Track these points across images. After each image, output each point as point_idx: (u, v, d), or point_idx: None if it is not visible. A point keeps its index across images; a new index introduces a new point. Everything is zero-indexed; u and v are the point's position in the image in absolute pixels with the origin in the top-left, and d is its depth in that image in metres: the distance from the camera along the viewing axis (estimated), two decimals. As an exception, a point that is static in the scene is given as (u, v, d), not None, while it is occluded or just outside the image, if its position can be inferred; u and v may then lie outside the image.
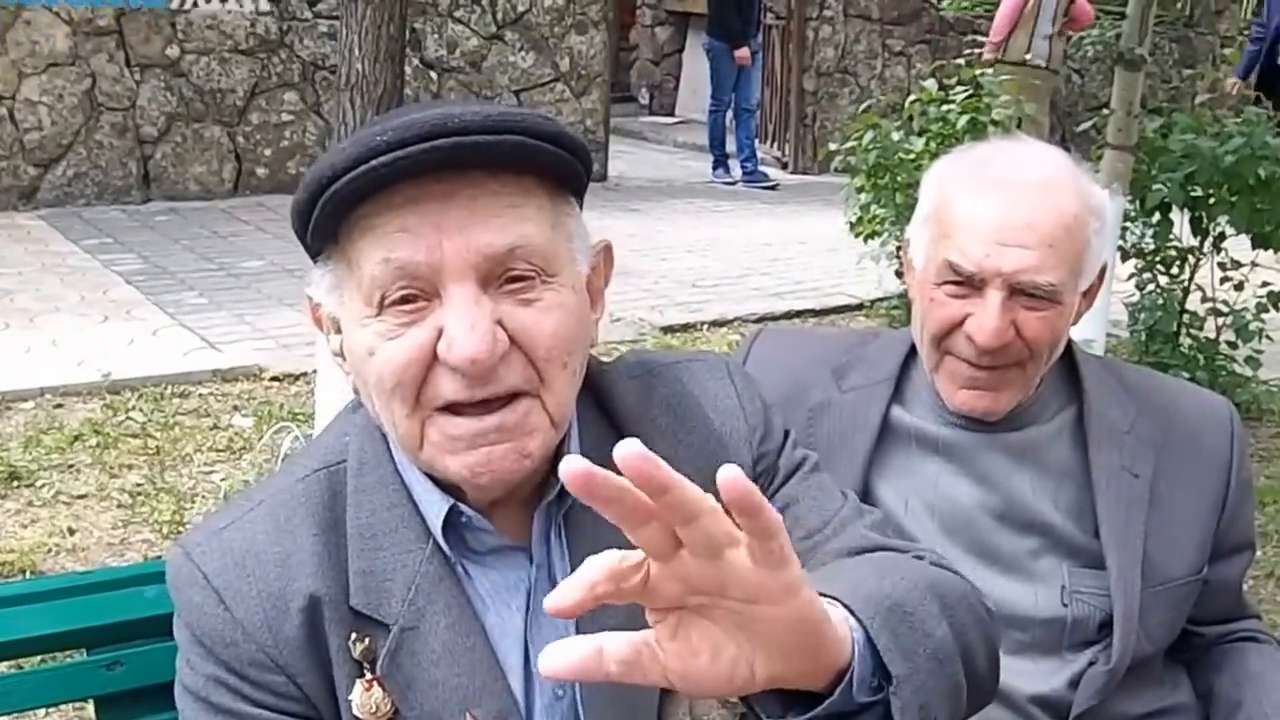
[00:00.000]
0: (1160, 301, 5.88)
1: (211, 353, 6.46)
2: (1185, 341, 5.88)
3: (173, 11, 9.84)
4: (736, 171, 11.93)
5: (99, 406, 5.71)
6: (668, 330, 7.17)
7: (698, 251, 9.12)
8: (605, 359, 1.45)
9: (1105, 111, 5.53)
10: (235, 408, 5.80)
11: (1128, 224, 5.65)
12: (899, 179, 5.98)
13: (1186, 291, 5.90)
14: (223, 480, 4.98)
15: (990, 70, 6.26)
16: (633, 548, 1.14)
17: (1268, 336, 5.79)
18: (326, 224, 1.23)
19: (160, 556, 4.35)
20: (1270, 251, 5.66)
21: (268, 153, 10.36)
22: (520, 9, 11.24)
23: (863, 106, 6.59)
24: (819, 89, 12.70)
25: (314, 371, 4.77)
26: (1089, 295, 1.89)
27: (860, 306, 7.70)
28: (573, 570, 1.22)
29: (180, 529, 4.58)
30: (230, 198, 10.15)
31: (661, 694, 1.29)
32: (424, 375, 1.21)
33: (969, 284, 1.80)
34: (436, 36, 10.90)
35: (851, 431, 1.93)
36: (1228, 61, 5.91)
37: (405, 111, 1.22)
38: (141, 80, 9.85)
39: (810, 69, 12.65)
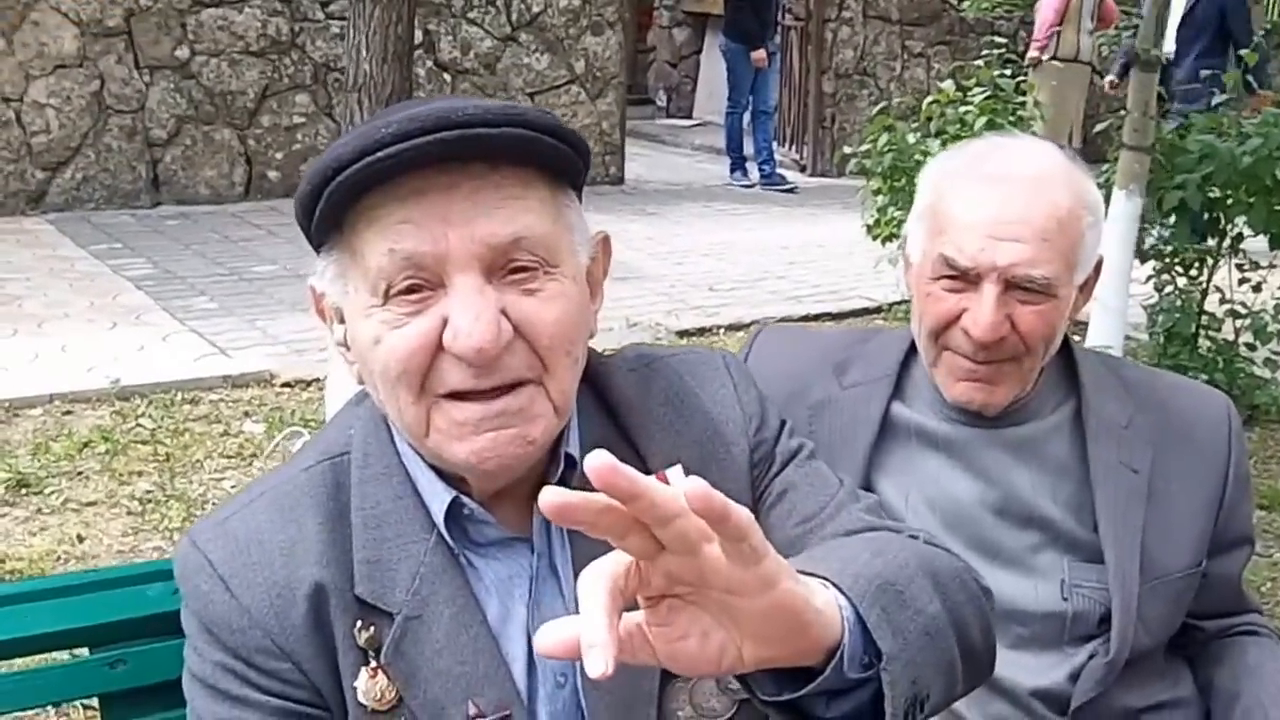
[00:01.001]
0: (1179, 304, 5.90)
1: (222, 358, 6.50)
2: (1204, 344, 5.90)
3: (182, 11, 9.88)
4: (754, 174, 11.97)
5: (108, 413, 5.75)
6: (684, 334, 7.21)
7: (714, 255, 9.16)
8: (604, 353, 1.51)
9: (1122, 112, 5.56)
10: (246, 414, 5.83)
11: (1145, 225, 5.68)
12: (916, 181, 5.96)
13: (1204, 293, 5.92)
14: (233, 487, 5.01)
15: (1032, 69, 6.29)
16: None
17: (1286, 337, 5.82)
18: (331, 215, 1.27)
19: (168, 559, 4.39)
20: (1288, 252, 5.69)
21: (279, 156, 10.39)
22: (535, 10, 11.27)
23: (878, 108, 6.62)
24: (838, 91, 12.74)
25: (325, 377, 4.81)
26: (1086, 289, 1.93)
27: (878, 310, 7.75)
28: (574, 558, 1.37)
29: None
30: (241, 201, 10.17)
31: (662, 681, 1.34)
32: (429, 363, 1.25)
33: (964, 278, 1.85)
34: (450, 38, 10.92)
35: (853, 428, 1.98)
36: (1246, 61, 5.90)
37: (407, 106, 1.27)
38: (151, 82, 9.89)
39: (829, 71, 12.69)
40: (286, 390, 6.14)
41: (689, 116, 15.60)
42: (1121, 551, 1.89)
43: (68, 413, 5.77)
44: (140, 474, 5.14)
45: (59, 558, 4.47)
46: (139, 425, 5.62)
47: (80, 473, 5.12)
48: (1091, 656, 1.89)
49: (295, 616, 1.31)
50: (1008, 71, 6.30)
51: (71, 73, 9.62)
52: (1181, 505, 1.94)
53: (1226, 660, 2.01)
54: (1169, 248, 5.80)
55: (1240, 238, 5.75)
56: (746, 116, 11.97)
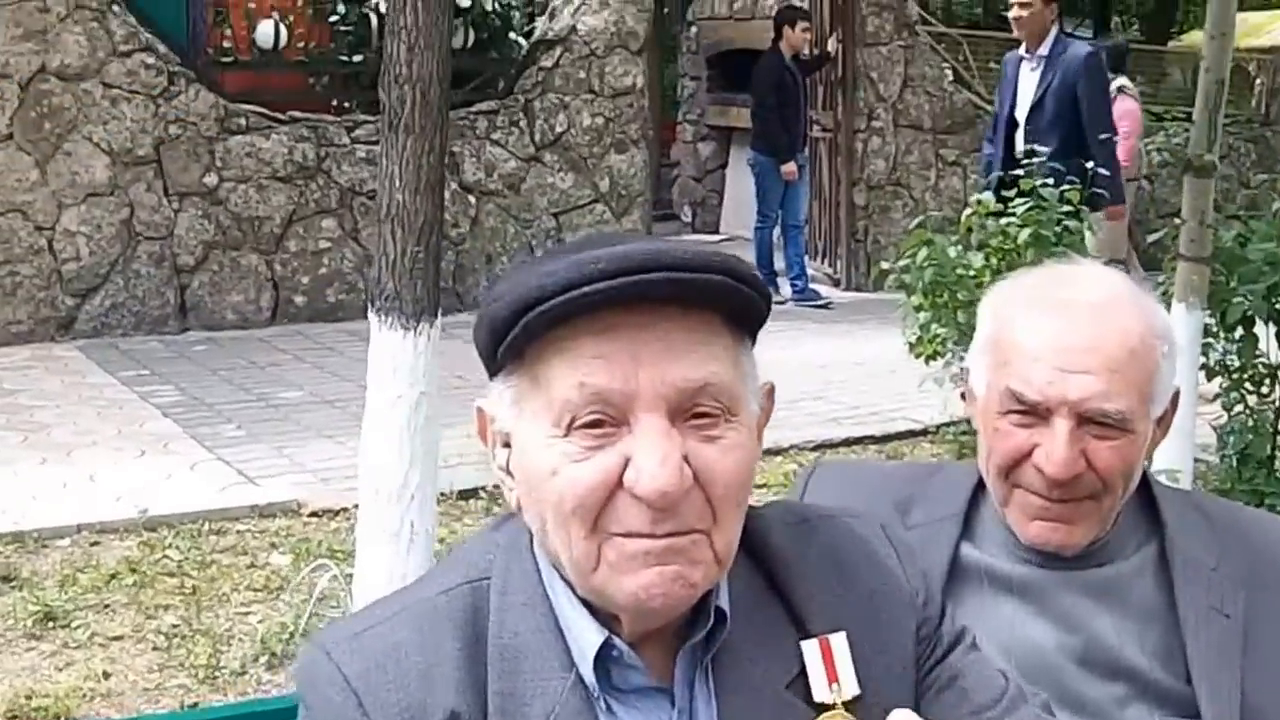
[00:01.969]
0: (1251, 423, 5.73)
1: (250, 487, 6.50)
2: (1281, 465, 5.74)
3: (210, 139, 10.06)
4: (786, 290, 11.92)
5: (136, 544, 5.75)
6: (720, 460, 7.11)
7: (749, 376, 9.09)
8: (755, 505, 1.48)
9: (1177, 221, 5.43)
10: (273, 545, 5.82)
11: (1209, 340, 5.53)
12: (959, 297, 5.95)
13: (1278, 412, 5.76)
14: (259, 622, 4.97)
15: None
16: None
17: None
18: (522, 342, 1.28)
19: (196, 704, 4.34)
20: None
21: (305, 280, 10.47)
22: (559, 129, 11.38)
23: (915, 221, 6.56)
24: (870, 203, 12.73)
25: (355, 506, 4.78)
26: (1163, 423, 1.87)
27: (925, 432, 7.56)
28: (719, 715, 1.32)
29: (216, 673, 4.58)
30: (268, 326, 10.26)
31: None
32: (606, 500, 1.25)
33: (1034, 413, 1.79)
34: (474, 160, 11.03)
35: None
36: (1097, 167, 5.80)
37: (605, 240, 1.30)
38: (180, 209, 10.03)
39: (860, 182, 12.70)
40: (314, 520, 6.13)
41: (715, 231, 15.66)
42: (1219, 705, 1.79)
43: (95, 543, 5.77)
44: (167, 607, 5.12)
45: (85, 694, 4.45)
46: (166, 557, 5.61)
47: (107, 605, 5.11)
48: None
49: None
50: (1050, 180, 6.20)
51: (103, 200, 9.78)
52: None
53: None
54: (1236, 363, 5.63)
55: (1315, 350, 5.59)
56: (776, 230, 12.00)
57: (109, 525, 5.92)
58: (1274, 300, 5.35)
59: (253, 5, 11.22)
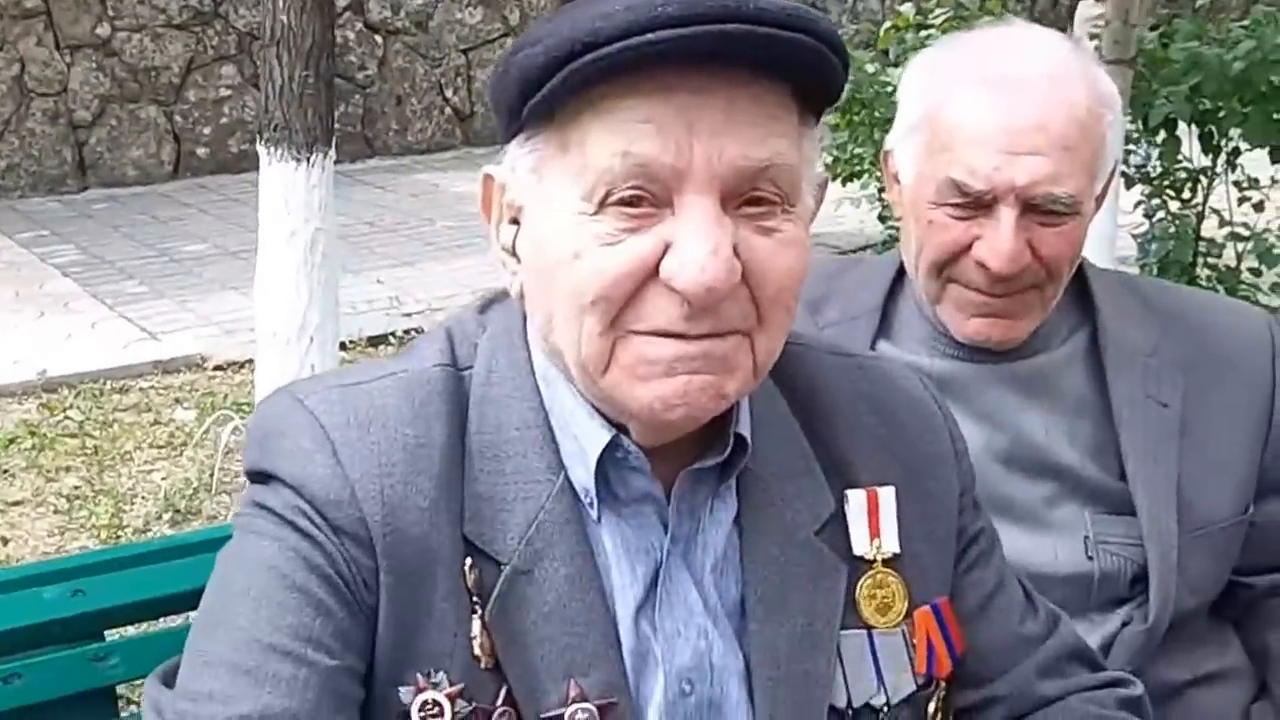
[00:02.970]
0: (1172, 230, 5.72)
1: (152, 343, 6.45)
2: (1203, 272, 5.73)
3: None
4: None
5: (35, 406, 5.71)
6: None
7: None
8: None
9: (1100, 23, 5.32)
10: (177, 400, 5.78)
11: (1131, 146, 5.46)
12: (877, 114, 5.84)
13: (1201, 216, 5.73)
14: (163, 479, 4.94)
15: None
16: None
17: (1295, 259, 5.67)
18: (559, 96, 1.10)
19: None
20: (1292, 166, 5.49)
21: (207, 131, 10.32)
22: (466, -38, 11.17)
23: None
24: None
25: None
26: (1101, 197, 1.75)
27: (841, 255, 7.56)
28: (743, 554, 1.24)
29: (119, 532, 4.54)
30: (170, 181, 10.14)
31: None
32: (634, 292, 1.10)
33: (976, 203, 1.66)
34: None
35: None
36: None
37: None
38: (72, 62, 9.80)
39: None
40: (219, 374, 6.11)
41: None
42: (1155, 499, 1.71)
43: (-8, 408, 5.73)
44: (68, 469, 5.08)
45: (-18, 562, 4.40)
46: (67, 418, 5.58)
47: (5, 470, 5.06)
48: (1125, 624, 1.72)
49: (403, 523, 1.15)
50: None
51: (-12, 55, 9.53)
52: (1221, 443, 1.77)
53: None
54: (1159, 169, 5.59)
55: (1237, 152, 5.54)
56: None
57: (6, 389, 5.86)
58: (1197, 102, 5.23)
59: None
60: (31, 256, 8.07)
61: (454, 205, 9.03)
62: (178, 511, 4.62)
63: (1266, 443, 1.78)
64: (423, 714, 1.14)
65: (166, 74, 10.10)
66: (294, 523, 1.14)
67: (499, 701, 1.15)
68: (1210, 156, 5.53)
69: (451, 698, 1.14)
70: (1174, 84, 5.16)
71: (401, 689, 1.14)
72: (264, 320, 4.29)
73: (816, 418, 1.31)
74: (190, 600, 1.42)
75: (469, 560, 1.16)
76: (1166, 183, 5.71)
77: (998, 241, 1.65)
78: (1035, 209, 1.65)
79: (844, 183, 6.24)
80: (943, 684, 1.32)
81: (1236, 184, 5.67)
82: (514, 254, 1.20)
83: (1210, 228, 5.76)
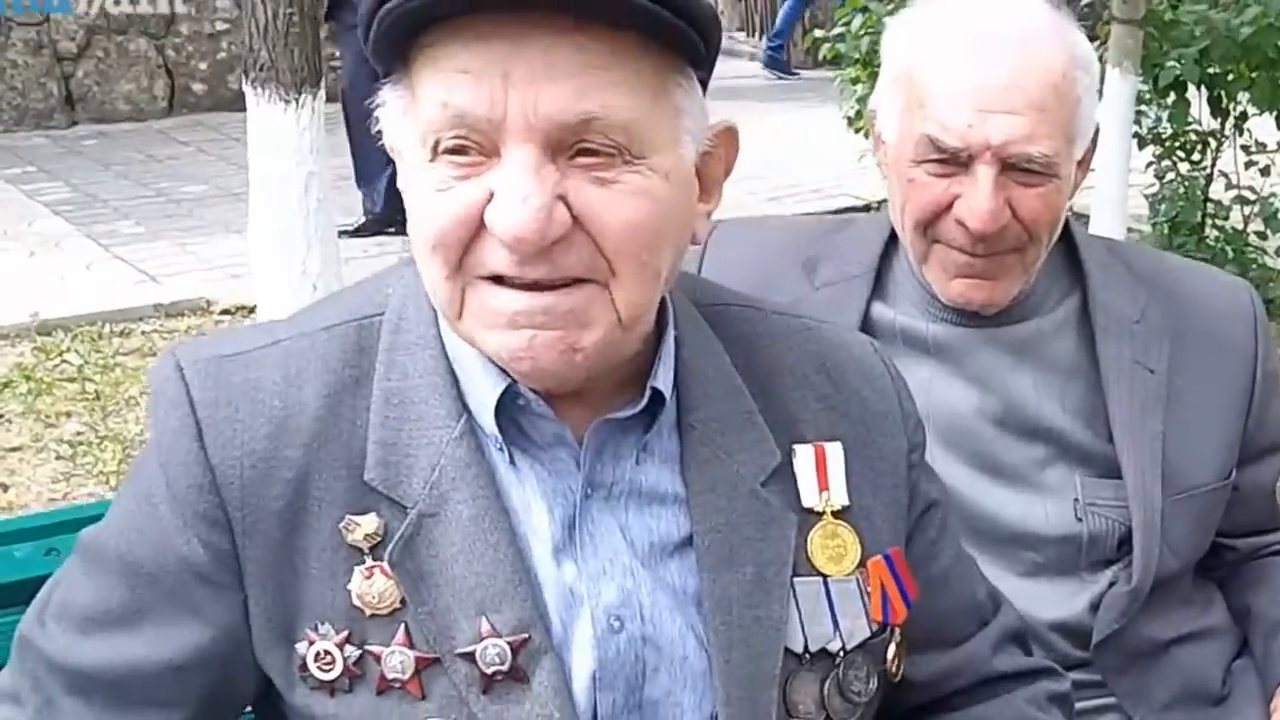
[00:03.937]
0: (1182, 191, 5.79)
1: (153, 286, 6.38)
2: (1211, 233, 5.81)
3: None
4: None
5: (29, 349, 5.65)
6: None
7: (684, 155, 9.01)
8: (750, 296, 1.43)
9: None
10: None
11: (1142, 107, 5.53)
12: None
13: (1209, 179, 5.81)
14: None
15: None
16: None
17: (1300, 224, 5.73)
18: (387, 46, 1.14)
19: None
20: (1298, 130, 5.56)
21: (203, 66, 10.19)
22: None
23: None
24: (807, -25, 12.48)
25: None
26: (1084, 164, 1.82)
27: (866, 207, 7.49)
28: (690, 507, 1.30)
29: None
30: (165, 117, 10.00)
31: (788, 669, 1.31)
32: (470, 238, 1.14)
33: (954, 160, 1.73)
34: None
35: None
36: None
37: None
38: (54, -10, 9.63)
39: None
40: (225, 318, 6.03)
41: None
42: (1140, 463, 1.80)
43: (-17, 350, 5.66)
44: (69, 415, 5.05)
45: (-18, 508, 4.37)
46: (65, 361, 5.53)
47: (1, 415, 5.03)
48: (1112, 584, 1.82)
49: (265, 498, 1.23)
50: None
51: (-32, -17, 9.39)
52: (1205, 408, 1.86)
53: (1264, 582, 1.95)
54: (1169, 130, 5.66)
55: (1245, 117, 5.62)
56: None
57: None
58: (1206, 64, 5.31)
59: None
60: (18, 193, 7.95)
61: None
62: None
63: (1249, 410, 1.86)
64: (318, 664, 1.23)
65: (157, 4, 9.97)
66: (156, 508, 1.24)
67: (393, 643, 1.22)
68: (1219, 120, 5.62)
69: (340, 645, 1.22)
70: (1184, 46, 5.23)
71: (298, 645, 1.24)
72: (262, 267, 4.29)
73: (763, 376, 1.36)
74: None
75: (348, 517, 1.23)
76: (1177, 145, 5.77)
77: (976, 200, 1.71)
78: (1013, 168, 1.71)
79: (866, 135, 6.21)
80: (899, 630, 1.38)
81: (1244, 148, 5.75)
82: None
83: (1218, 190, 5.83)
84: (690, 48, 1.17)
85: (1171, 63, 5.28)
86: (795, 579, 1.31)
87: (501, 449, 1.26)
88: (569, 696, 1.24)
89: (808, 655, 1.31)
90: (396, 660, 1.22)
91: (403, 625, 1.22)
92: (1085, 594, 1.82)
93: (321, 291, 4.21)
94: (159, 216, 7.54)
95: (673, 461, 1.30)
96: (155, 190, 8.13)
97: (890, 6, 6.10)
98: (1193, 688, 1.86)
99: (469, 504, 1.23)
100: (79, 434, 4.89)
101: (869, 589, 1.35)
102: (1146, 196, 6.06)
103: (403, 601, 1.23)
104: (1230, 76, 5.41)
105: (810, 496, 1.34)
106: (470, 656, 1.22)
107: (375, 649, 1.23)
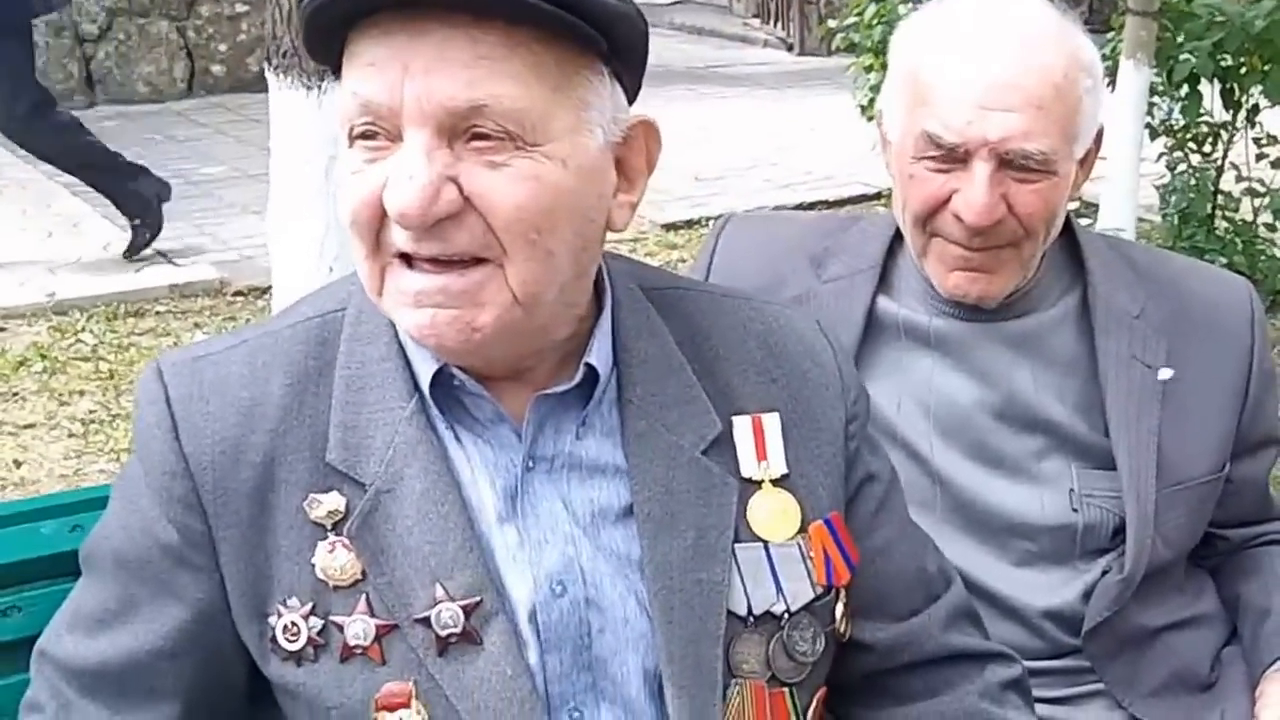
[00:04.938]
0: (1192, 182, 5.79)
1: (168, 267, 6.40)
2: (1220, 225, 5.81)
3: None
4: None
5: (45, 329, 5.69)
6: (670, 228, 7.12)
7: (700, 143, 8.95)
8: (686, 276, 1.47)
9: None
10: (196, 325, 5.76)
11: (1154, 99, 5.54)
12: (905, 54, 5.86)
13: (1220, 171, 5.81)
14: None
15: None
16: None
17: (1310, 217, 5.72)
18: (314, 45, 1.26)
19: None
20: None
21: (223, 48, 10.22)
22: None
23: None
24: (821, -37, 12.46)
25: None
26: (1086, 164, 1.85)
27: (878, 196, 7.57)
28: (632, 479, 1.36)
29: None
30: (184, 99, 10.03)
31: (732, 629, 1.36)
32: (379, 219, 1.23)
33: (952, 156, 1.76)
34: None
35: (835, 326, 1.85)
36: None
37: None
38: (77, -27, 9.65)
39: (811, -60, 12.40)
40: (239, 299, 6.07)
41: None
42: (1135, 456, 1.83)
43: (1, 329, 5.69)
44: (82, 393, 5.09)
45: (-5, 483, 4.42)
46: (79, 341, 5.56)
47: (16, 394, 5.07)
48: (1105, 572, 1.84)
49: (234, 481, 1.32)
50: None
51: (-8, -36, 9.39)
52: (1201, 403, 1.88)
53: (1254, 572, 1.96)
54: (1181, 122, 5.67)
55: (1257, 109, 5.61)
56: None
57: (14, 310, 5.85)
58: (1219, 57, 5.31)
59: None
60: (38, 174, 7.91)
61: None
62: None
63: (1244, 405, 1.88)
64: (286, 635, 1.32)
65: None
66: (137, 501, 1.34)
67: (355, 612, 1.31)
68: (1231, 112, 5.61)
69: (305, 616, 1.31)
70: (1197, 39, 5.23)
71: (270, 618, 1.32)
72: (279, 250, 4.31)
73: (707, 353, 1.43)
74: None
75: (310, 496, 1.32)
76: (1189, 137, 5.77)
77: (972, 194, 1.74)
78: (1009, 164, 1.74)
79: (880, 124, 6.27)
80: (843, 591, 1.43)
81: (1256, 140, 5.74)
82: None
83: (1229, 182, 5.83)
84: (593, 43, 1.24)
85: (1186, 55, 5.28)
86: (737, 545, 1.37)
87: (449, 426, 1.34)
88: (520, 655, 1.31)
89: (751, 617, 1.37)
90: (359, 628, 1.31)
91: (364, 595, 1.31)
92: (1078, 582, 1.85)
93: (337, 273, 4.19)
94: (177, 198, 7.39)
95: (614, 435, 1.38)
96: (173, 171, 8.03)
97: (904, -5, 6.11)
98: (1182, 674, 1.88)
99: (420, 478, 1.32)
100: (91, 412, 4.94)
101: (811, 553, 1.41)
102: (1157, 187, 6.07)
103: (363, 573, 1.31)
104: (1243, 69, 5.40)
105: (749, 466, 1.40)
106: (426, 621, 1.30)
107: (338, 619, 1.31)
